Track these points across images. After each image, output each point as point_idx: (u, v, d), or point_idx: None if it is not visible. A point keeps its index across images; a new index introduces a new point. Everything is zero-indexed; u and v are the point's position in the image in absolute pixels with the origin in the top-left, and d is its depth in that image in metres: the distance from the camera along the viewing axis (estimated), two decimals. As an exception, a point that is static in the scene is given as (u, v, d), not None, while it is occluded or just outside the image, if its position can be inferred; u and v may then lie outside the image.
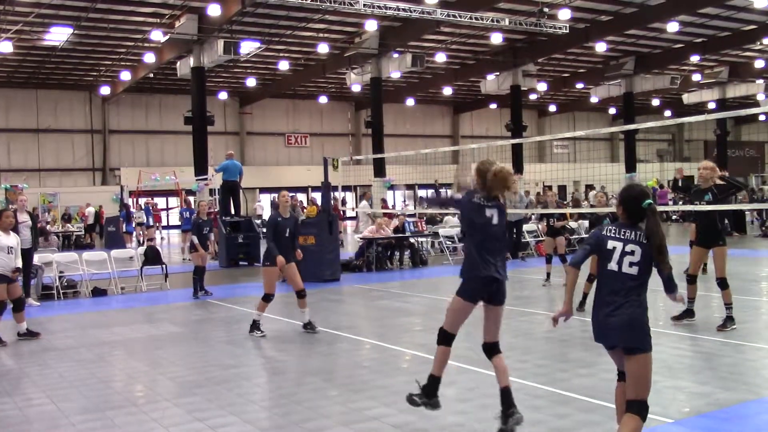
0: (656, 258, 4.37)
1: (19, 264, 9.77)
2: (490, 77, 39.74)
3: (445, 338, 5.41)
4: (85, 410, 6.25)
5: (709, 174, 8.97)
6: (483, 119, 52.91)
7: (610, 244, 4.45)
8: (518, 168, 37.10)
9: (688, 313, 9.24)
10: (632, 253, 4.38)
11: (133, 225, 25.87)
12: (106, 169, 42.38)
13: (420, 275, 16.18)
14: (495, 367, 5.34)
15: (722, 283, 8.72)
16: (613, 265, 4.41)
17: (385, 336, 9.18)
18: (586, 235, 20.26)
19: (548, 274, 13.65)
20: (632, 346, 4.29)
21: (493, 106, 49.12)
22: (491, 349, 5.37)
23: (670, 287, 4.46)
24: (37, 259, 13.48)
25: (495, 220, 5.31)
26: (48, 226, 26.78)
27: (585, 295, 10.28)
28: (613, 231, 4.49)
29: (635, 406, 4.24)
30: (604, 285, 4.46)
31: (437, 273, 16.41)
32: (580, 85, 45.44)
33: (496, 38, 31.91)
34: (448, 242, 19.21)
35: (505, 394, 5.21)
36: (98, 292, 13.97)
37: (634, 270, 4.37)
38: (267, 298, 9.28)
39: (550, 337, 8.89)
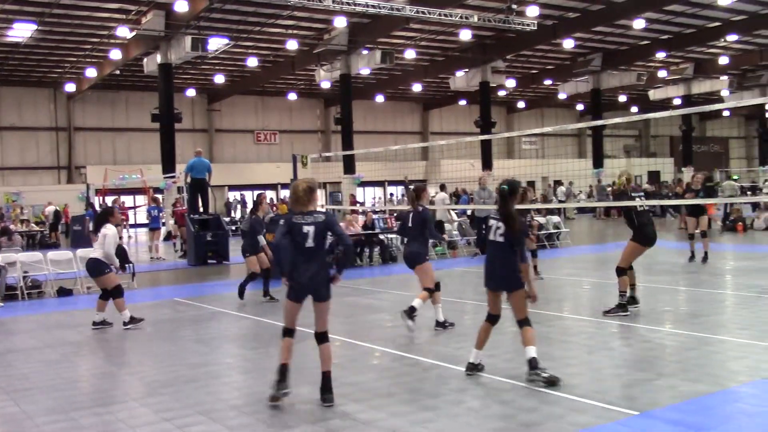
0: (507, 228, 6.50)
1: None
2: (459, 74, 39.87)
3: (285, 332, 6.20)
4: (51, 411, 6.15)
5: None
6: (452, 115, 53.09)
7: (491, 222, 6.74)
8: (487, 164, 37.30)
9: (633, 301, 9.70)
10: (500, 227, 6.57)
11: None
12: (72, 168, 41.78)
13: (389, 272, 16.19)
14: (320, 353, 6.13)
15: (619, 272, 9.57)
16: (492, 236, 6.69)
17: (355, 333, 9.17)
18: (555, 230, 20.48)
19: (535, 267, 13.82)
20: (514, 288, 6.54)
21: (463, 102, 49.31)
22: (320, 337, 6.15)
23: (523, 257, 6.59)
24: (0, 259, 13.25)
25: (311, 235, 6.04)
26: (12, 226, 26.34)
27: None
28: (494, 213, 6.76)
29: (524, 322, 6.56)
30: (490, 250, 6.87)
31: (406, 270, 16.38)
32: (548, 82, 45.83)
33: (465, 35, 32.01)
34: (418, 238, 19.21)
35: (324, 378, 6.05)
36: (64, 292, 13.77)
37: (501, 238, 6.58)
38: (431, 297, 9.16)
39: (517, 332, 8.94)
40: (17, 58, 34.44)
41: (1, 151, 39.82)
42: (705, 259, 14.94)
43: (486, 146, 37.82)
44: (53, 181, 40.96)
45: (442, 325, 9.08)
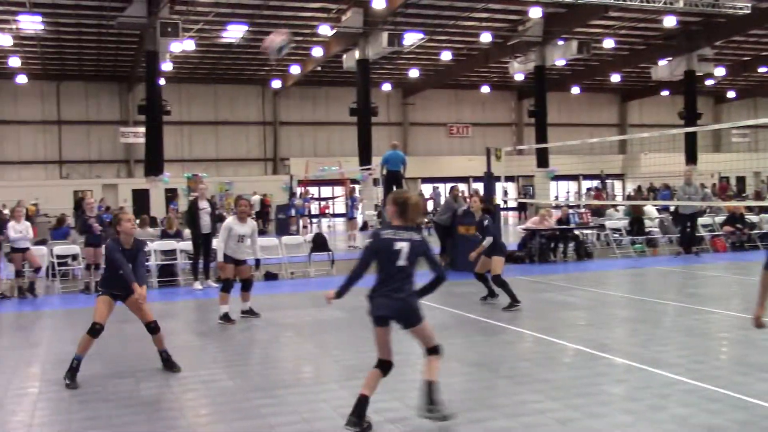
0: None
1: (259, 254, 10.61)
2: (662, 63, 37.89)
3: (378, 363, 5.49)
4: (259, 388, 6.58)
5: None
6: (653, 107, 50.52)
7: None
8: (692, 158, 35.19)
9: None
10: None
11: (292, 212, 27.04)
12: (277, 159, 44.44)
13: (585, 268, 15.70)
14: (426, 363, 5.47)
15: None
16: None
17: (549, 329, 8.99)
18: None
19: None
20: None
21: (665, 93, 46.80)
22: (431, 351, 5.50)
23: None
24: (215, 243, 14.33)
25: (404, 252, 5.30)
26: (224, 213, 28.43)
27: None
28: None
29: None
30: None
31: (603, 266, 15.88)
32: (763, 69, 42.23)
33: (669, 21, 30.32)
34: (615, 235, 18.52)
35: (428, 389, 5.34)
36: (270, 276, 14.67)
37: None
38: None
39: (727, 338, 8.39)
40: (230, 57, 37.14)
41: (216, 143, 43.17)
42: None
43: (690, 139, 35.69)
44: (260, 172, 43.80)
45: None
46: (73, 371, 6.84)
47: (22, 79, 37.87)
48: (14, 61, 34.60)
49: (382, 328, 5.45)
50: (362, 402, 5.26)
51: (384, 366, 5.45)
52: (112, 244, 7.06)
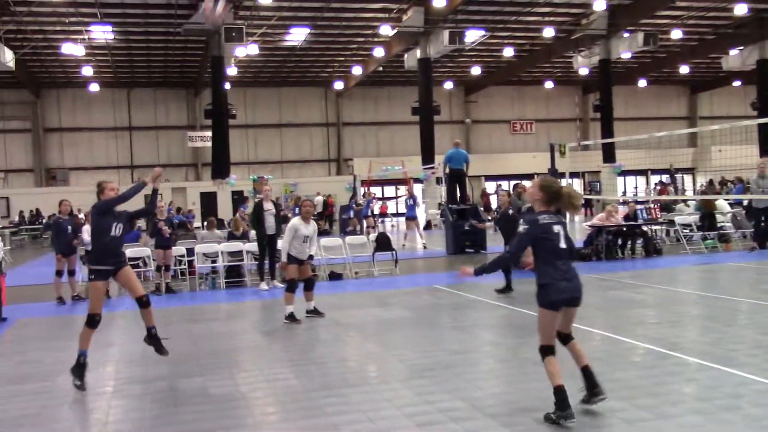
0: None
1: (313, 251, 10.38)
2: (733, 52, 36.75)
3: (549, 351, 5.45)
4: (323, 387, 6.64)
5: None
6: (724, 98, 49.07)
7: None
8: (766, 150, 34.00)
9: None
10: None
11: (351, 213, 27.17)
12: (340, 160, 44.80)
13: (654, 265, 15.34)
14: (571, 351, 5.56)
15: None
16: None
17: (617, 328, 8.82)
18: None
19: None
20: None
21: (737, 83, 45.40)
22: (566, 338, 5.56)
23: None
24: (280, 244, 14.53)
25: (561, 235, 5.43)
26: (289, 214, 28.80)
27: None
28: None
29: None
30: None
31: (672, 263, 15.49)
32: (841, 55, 40.54)
33: (740, 9, 29.35)
34: (685, 230, 18.06)
35: (587, 374, 5.51)
36: (334, 276, 14.80)
37: None
38: None
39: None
40: (293, 60, 37.60)
41: (281, 145, 43.79)
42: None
43: (764, 131, 34.48)
44: (324, 173, 44.22)
45: None
46: (80, 367, 6.98)
47: (94, 87, 39.19)
48: (87, 71, 35.87)
49: (556, 313, 5.44)
50: (562, 391, 5.26)
51: (553, 351, 5.43)
52: (98, 203, 7.38)
